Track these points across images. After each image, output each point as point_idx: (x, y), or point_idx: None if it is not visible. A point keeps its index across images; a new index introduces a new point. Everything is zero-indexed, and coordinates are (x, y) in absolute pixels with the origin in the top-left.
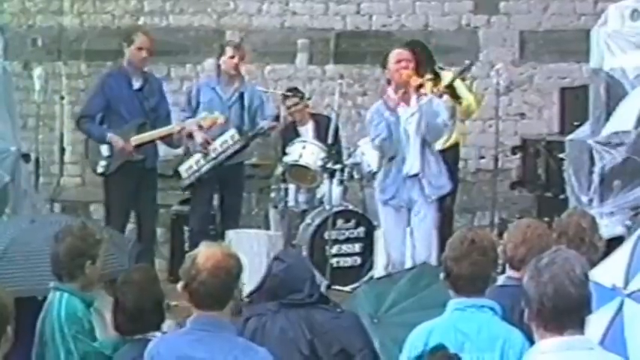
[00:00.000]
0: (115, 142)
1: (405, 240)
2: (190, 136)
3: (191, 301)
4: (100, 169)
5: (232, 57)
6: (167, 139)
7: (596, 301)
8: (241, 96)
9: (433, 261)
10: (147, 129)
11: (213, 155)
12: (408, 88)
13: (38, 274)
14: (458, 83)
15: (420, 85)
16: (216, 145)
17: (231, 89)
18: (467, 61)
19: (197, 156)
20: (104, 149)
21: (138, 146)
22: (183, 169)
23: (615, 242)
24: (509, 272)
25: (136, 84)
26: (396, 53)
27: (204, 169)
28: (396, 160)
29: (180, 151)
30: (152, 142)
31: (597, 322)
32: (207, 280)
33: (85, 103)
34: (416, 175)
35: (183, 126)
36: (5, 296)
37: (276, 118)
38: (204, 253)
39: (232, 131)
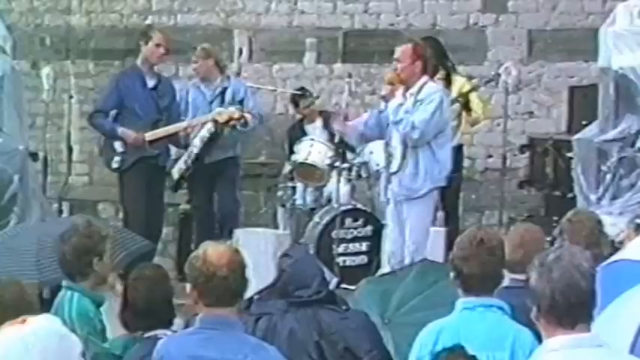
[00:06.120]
0: (126, 135)
1: (403, 233)
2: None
3: (204, 299)
4: (114, 165)
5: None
6: (174, 139)
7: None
8: (223, 91)
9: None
10: (160, 127)
11: (195, 151)
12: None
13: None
14: (473, 94)
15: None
16: (196, 141)
17: (213, 86)
18: (492, 73)
19: (183, 157)
20: (118, 145)
21: (152, 142)
22: (174, 171)
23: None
24: (511, 275)
25: (150, 82)
26: (396, 50)
27: (184, 167)
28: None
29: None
30: (165, 138)
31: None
32: (229, 275)
33: (99, 100)
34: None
35: (195, 122)
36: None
37: (261, 118)
38: (214, 251)
39: (209, 125)
